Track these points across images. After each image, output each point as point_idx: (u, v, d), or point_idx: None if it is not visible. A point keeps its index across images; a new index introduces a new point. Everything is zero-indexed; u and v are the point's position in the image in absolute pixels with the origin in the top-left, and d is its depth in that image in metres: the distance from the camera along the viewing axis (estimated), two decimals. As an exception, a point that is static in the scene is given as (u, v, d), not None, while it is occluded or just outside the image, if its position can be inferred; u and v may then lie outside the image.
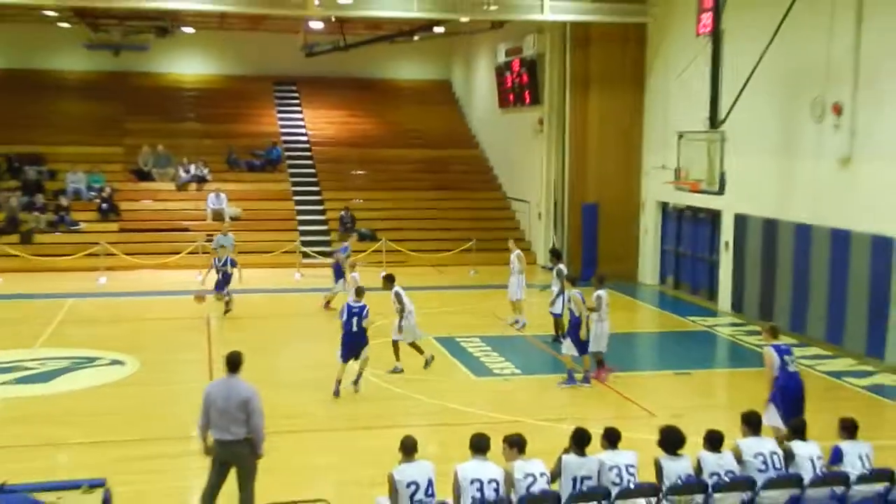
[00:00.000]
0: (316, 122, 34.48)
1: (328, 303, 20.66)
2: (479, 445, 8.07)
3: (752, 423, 9.00)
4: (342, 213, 28.69)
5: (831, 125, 17.67)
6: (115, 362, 16.17)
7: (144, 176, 29.93)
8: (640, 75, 24.97)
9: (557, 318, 17.36)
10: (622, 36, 24.79)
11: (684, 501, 8.11)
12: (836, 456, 8.78)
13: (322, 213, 30.02)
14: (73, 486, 8.23)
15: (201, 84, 35.66)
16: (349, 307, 14.10)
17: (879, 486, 8.47)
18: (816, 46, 18.05)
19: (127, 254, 25.31)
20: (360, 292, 14.31)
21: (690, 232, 23.53)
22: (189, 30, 32.82)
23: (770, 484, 8.32)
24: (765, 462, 8.54)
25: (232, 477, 9.10)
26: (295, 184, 30.98)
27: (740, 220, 20.71)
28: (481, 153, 34.04)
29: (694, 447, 8.62)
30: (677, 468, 8.25)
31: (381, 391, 14.47)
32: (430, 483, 7.90)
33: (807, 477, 8.45)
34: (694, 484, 8.20)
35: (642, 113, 25.05)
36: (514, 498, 7.85)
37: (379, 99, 35.99)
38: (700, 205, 22.10)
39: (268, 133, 33.09)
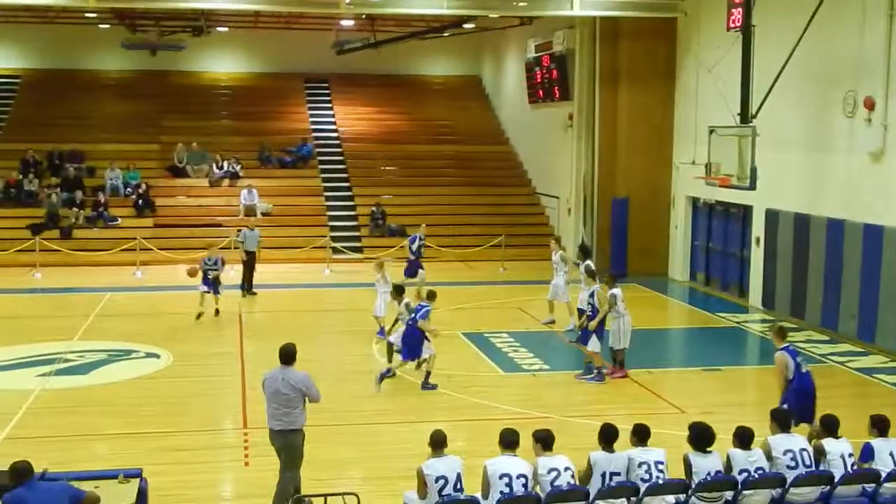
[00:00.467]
0: (346, 119, 34.56)
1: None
2: (509, 441, 8.05)
3: (781, 420, 8.90)
4: (373, 209, 28.74)
5: (863, 119, 17.42)
6: (150, 355, 16.32)
7: (179, 172, 30.18)
8: (670, 70, 24.78)
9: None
10: (652, 31, 24.60)
11: (714, 498, 8.04)
12: (867, 453, 8.67)
13: (352, 208, 30.08)
14: (110, 475, 8.33)
15: (235, 82, 35.87)
16: (418, 307, 14.32)
17: (911, 484, 8.36)
18: (848, 40, 17.81)
19: (161, 248, 25.53)
20: (431, 296, 14.60)
21: (721, 227, 23.32)
22: (223, 29, 33.07)
23: (800, 481, 8.22)
24: (795, 459, 8.44)
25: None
26: (325, 180, 31.08)
27: (771, 216, 20.50)
28: (511, 149, 33.95)
29: (723, 444, 8.54)
30: (707, 465, 8.18)
31: (409, 386, 14.47)
32: (458, 478, 7.90)
33: (837, 474, 8.35)
34: (723, 480, 8.13)
35: (672, 108, 24.85)
36: (541, 494, 7.82)
37: (409, 95, 36.00)
38: (731, 200, 21.88)
39: (299, 130, 33.22)
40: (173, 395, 14.06)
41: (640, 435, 8.43)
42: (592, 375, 14.75)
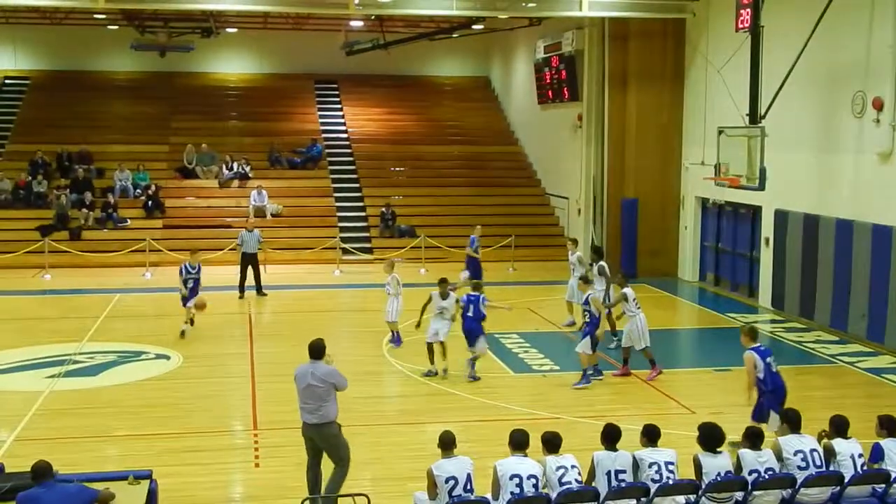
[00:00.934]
0: (356, 120, 34.60)
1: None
2: (519, 442, 8.07)
3: (791, 421, 8.90)
4: (383, 209, 28.79)
5: (872, 120, 17.39)
6: (160, 356, 16.38)
7: (188, 174, 30.27)
8: (679, 71, 24.76)
9: (606, 315, 17.11)
10: (661, 31, 24.59)
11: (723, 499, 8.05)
12: (877, 453, 8.66)
13: (362, 209, 30.12)
14: (120, 476, 8.38)
15: (244, 83, 35.95)
16: (468, 297, 14.76)
17: (922, 485, 8.35)
18: (856, 41, 17.77)
19: (171, 250, 25.59)
20: (477, 287, 15.12)
21: (730, 228, 23.29)
22: (232, 30, 33.16)
23: (810, 481, 8.23)
24: (805, 459, 8.45)
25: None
26: (335, 181, 31.13)
27: (781, 216, 20.46)
28: (520, 149, 33.94)
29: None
30: (717, 465, 8.20)
31: (419, 387, 14.50)
32: (468, 478, 7.92)
33: (847, 475, 8.35)
34: (733, 481, 8.13)
35: (681, 108, 24.83)
36: (552, 494, 7.84)
37: (418, 96, 36.03)
38: (740, 200, 21.85)
39: (309, 131, 33.28)
40: (183, 396, 14.11)
41: (650, 435, 8.45)
42: (582, 381, 14.44)
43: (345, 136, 33.77)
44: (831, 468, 8.48)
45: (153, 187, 28.78)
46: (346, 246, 26.97)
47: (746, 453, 8.39)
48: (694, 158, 23.48)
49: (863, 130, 17.71)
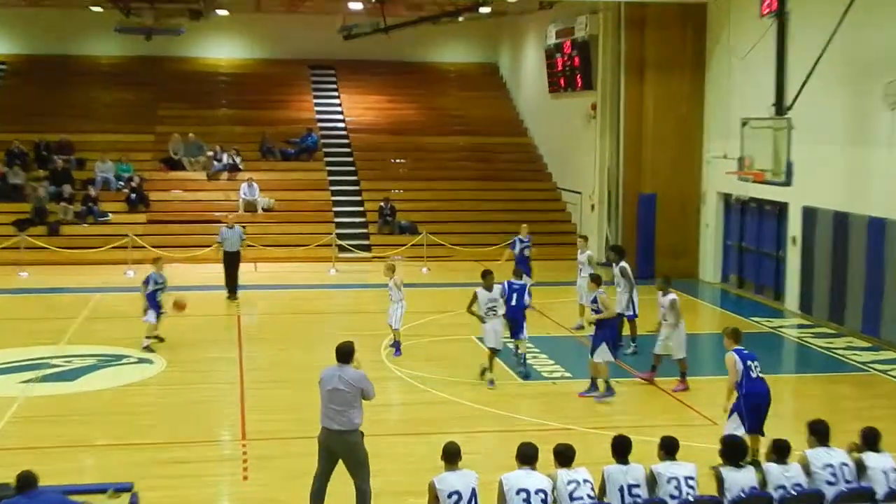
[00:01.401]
0: (354, 108, 34.60)
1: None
2: (527, 455, 8.03)
3: (819, 433, 8.84)
4: (382, 204, 28.76)
5: (907, 112, 17.33)
6: (142, 360, 16.36)
7: (175, 165, 30.26)
8: (699, 59, 24.68)
9: (630, 319, 17.06)
10: (681, 17, 24.50)
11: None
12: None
13: (360, 204, 30.12)
14: (99, 489, 8.37)
15: (235, 69, 35.98)
16: (510, 284, 15.42)
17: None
18: (891, 26, 17.69)
19: (155, 246, 25.51)
20: (518, 274, 16.17)
21: (755, 226, 23.23)
22: (223, 12, 33.05)
23: (840, 497, 8.19)
24: (834, 474, 8.41)
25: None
26: (331, 173, 31.13)
27: (809, 214, 20.39)
28: (530, 141, 33.92)
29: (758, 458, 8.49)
30: (740, 480, 8.16)
31: (420, 394, 14.45)
32: (473, 493, 7.88)
33: (880, 490, 8.31)
34: (758, 497, 8.08)
35: (702, 99, 24.76)
36: (563, 509, 7.81)
37: (421, 83, 36.01)
38: (765, 197, 21.78)
39: (303, 120, 33.28)
40: (167, 403, 14.09)
41: (669, 448, 8.41)
42: (600, 392, 14.31)
43: (342, 125, 33.77)
44: (862, 483, 8.44)
45: (137, 179, 28.78)
46: (343, 243, 26.95)
47: (772, 467, 8.35)
48: (716, 151, 23.41)
49: (897, 122, 17.65)
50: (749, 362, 11.15)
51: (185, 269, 24.98)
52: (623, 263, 17.31)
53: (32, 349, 16.82)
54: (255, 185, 28.92)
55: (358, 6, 29.29)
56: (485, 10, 28.94)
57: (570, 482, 7.93)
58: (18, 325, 19.20)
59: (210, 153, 30.30)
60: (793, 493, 8.19)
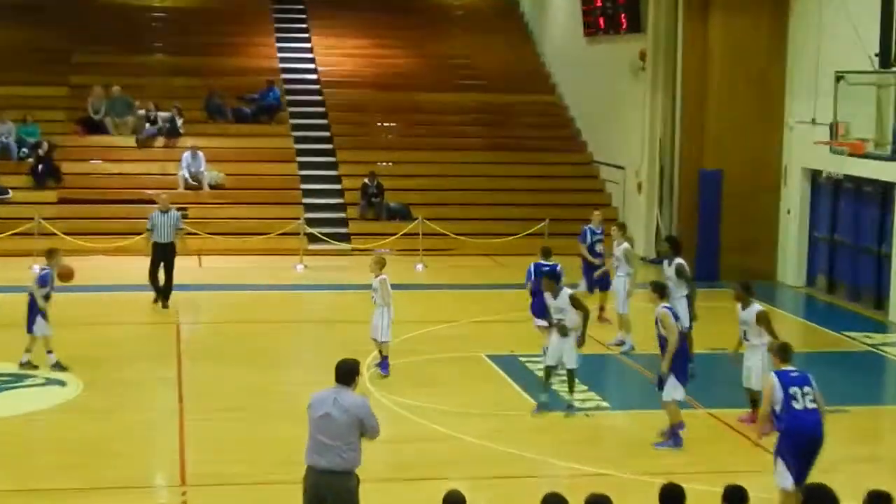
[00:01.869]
0: (329, 56, 34.61)
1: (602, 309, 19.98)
2: (551, 509, 8.05)
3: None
4: (365, 180, 28.75)
5: None
6: (52, 381, 16.35)
7: (95, 127, 30.24)
8: (782, -5, 24.77)
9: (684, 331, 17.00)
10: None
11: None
12: None
13: (336, 180, 30.13)
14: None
15: (174, 3, 36.00)
16: (538, 265, 16.62)
17: None
18: None
19: (70, 233, 25.54)
20: (547, 253, 17.08)
21: (851, 213, 23.25)
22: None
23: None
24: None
25: None
26: (299, 140, 31.12)
27: (922, 198, 20.46)
28: (558, 100, 33.98)
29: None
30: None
31: (414, 429, 14.46)
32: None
33: None
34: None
35: (785, 46, 24.76)
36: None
37: (417, 24, 36.09)
38: (866, 175, 21.81)
39: (263, 69, 33.24)
40: (83, 437, 14.06)
41: (734, 501, 8.43)
42: (666, 440, 14.14)
43: (314, 77, 33.79)
44: None
45: (45, 146, 28.73)
46: (314, 231, 26.96)
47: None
48: (801, 116, 23.43)
49: None
50: (794, 388, 11.04)
51: (108, 263, 25.03)
52: (679, 260, 17.33)
53: None
54: (199, 154, 28.89)
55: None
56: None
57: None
58: None
59: (141, 112, 30.30)
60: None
